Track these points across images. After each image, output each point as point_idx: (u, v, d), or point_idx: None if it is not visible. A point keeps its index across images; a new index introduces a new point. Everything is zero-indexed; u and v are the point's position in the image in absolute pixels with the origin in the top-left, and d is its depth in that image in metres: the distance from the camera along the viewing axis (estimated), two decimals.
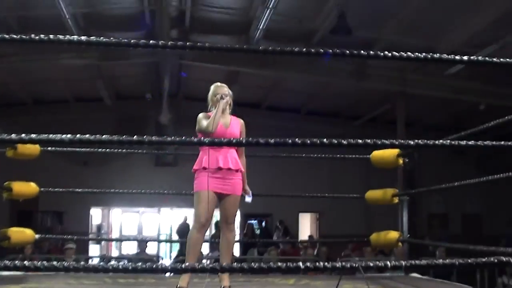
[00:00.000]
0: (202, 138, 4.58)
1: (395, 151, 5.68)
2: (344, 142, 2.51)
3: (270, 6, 10.13)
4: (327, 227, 17.71)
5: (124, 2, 11.33)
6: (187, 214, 16.88)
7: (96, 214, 18.35)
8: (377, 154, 5.90)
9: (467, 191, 17.11)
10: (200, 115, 4.96)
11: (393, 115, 14.93)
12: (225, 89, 5.08)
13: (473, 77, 13.25)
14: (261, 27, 11.18)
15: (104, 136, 2.23)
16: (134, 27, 12.02)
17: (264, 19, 10.87)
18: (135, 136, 2.20)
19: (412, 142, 2.61)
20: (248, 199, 5.05)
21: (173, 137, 2.08)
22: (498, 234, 15.35)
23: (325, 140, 2.66)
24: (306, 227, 18.75)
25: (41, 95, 16.42)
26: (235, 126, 5.02)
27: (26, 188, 5.87)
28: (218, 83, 5.14)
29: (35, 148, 5.77)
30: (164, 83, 13.07)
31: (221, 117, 4.91)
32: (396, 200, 5.88)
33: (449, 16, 10.67)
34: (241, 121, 5.09)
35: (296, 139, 2.57)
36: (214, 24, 12.13)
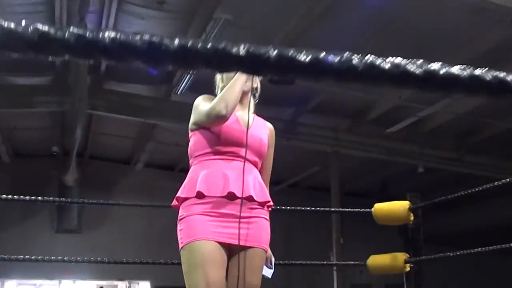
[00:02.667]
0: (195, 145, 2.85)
1: (406, 203, 4.31)
2: None
3: None
4: None
5: None
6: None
7: None
8: (383, 207, 4.43)
9: None
10: (200, 97, 2.88)
11: (318, 180, 13.89)
12: None
13: (409, 139, 12.54)
14: (187, 76, 9.73)
15: None
16: (42, 70, 10.50)
17: None
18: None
19: None
20: (268, 271, 2.85)
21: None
22: None
23: None
24: None
25: None
26: (260, 129, 2.91)
27: None
28: None
29: None
30: (74, 136, 11.16)
31: (239, 104, 2.77)
32: (408, 268, 4.32)
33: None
34: (270, 126, 3.01)
35: None
36: (132, 71, 10.71)
